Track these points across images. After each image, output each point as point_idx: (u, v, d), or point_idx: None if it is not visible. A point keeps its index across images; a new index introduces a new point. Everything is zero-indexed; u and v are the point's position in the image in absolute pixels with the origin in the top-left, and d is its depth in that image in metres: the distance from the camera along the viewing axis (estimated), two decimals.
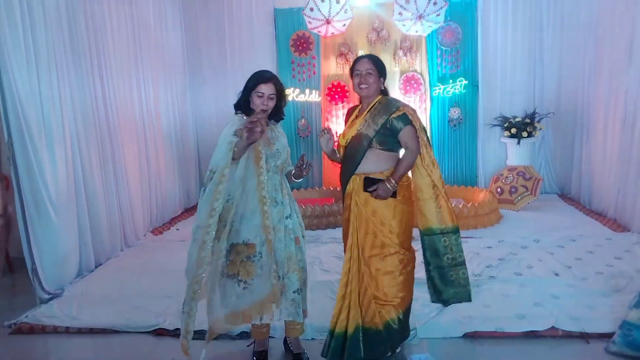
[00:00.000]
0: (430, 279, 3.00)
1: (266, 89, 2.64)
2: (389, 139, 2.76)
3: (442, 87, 6.79)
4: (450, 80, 6.77)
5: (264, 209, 2.63)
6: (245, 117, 2.65)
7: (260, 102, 2.63)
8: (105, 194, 4.71)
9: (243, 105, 2.71)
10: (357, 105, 2.96)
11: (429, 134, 6.82)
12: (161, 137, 6.06)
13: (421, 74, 6.84)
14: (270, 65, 6.84)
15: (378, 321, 2.76)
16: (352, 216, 2.82)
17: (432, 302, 3.11)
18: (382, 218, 2.76)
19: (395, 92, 6.81)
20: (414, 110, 2.85)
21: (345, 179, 2.86)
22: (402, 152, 2.84)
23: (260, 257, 2.63)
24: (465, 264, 3.00)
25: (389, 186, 2.71)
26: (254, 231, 2.63)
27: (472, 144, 6.96)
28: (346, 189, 2.86)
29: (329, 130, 2.92)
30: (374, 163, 2.78)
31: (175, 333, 3.26)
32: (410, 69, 6.83)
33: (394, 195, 2.74)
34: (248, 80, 2.68)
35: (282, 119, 2.86)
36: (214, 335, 2.74)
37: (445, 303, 3.07)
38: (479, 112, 6.85)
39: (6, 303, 4.01)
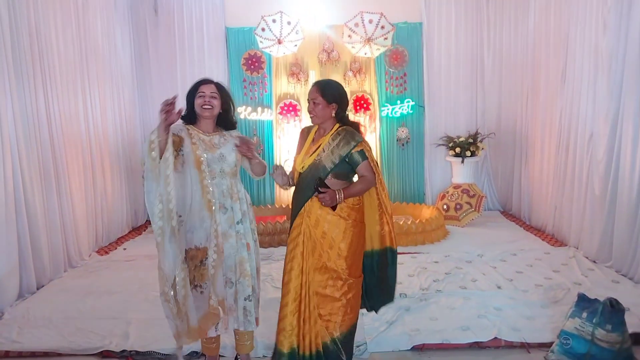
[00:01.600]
0: (364, 292, 2.97)
1: (207, 88, 2.70)
2: (346, 170, 2.76)
3: (390, 107, 6.99)
4: (398, 101, 6.99)
5: (212, 214, 2.64)
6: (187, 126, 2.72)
7: (201, 101, 2.67)
8: (46, 213, 4.53)
9: (188, 114, 2.73)
10: (312, 127, 2.93)
11: (378, 153, 7.04)
12: (108, 154, 5.92)
13: (370, 95, 7.03)
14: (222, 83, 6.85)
15: (319, 341, 2.73)
16: (304, 237, 2.76)
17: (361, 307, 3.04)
18: (331, 241, 2.72)
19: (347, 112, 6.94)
20: (370, 146, 2.83)
21: (299, 204, 2.81)
22: (355, 177, 2.84)
23: (213, 260, 2.64)
24: (396, 277, 2.98)
25: (337, 196, 2.66)
26: (204, 235, 2.64)
27: (420, 162, 7.18)
28: (298, 212, 2.81)
29: (280, 167, 2.88)
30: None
31: (122, 355, 3.18)
32: (360, 90, 7.01)
33: (334, 208, 2.69)
34: (190, 88, 2.74)
35: (234, 127, 2.87)
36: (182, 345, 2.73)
37: (373, 309, 3.05)
38: (426, 131, 7.09)
39: None
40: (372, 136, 7.07)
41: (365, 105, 6.98)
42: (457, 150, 6.58)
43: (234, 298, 2.73)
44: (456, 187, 6.58)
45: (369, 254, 2.90)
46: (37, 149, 4.43)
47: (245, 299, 2.75)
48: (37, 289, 4.31)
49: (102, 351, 3.23)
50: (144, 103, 6.93)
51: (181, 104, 2.57)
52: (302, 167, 2.81)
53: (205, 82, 2.75)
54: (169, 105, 2.45)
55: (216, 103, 2.72)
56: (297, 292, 2.74)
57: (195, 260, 2.65)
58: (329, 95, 2.76)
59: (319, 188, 2.64)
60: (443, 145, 6.85)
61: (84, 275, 4.71)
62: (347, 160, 2.72)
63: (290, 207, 2.94)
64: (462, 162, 6.59)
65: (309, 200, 2.76)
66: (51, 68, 4.67)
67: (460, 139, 6.66)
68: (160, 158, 2.48)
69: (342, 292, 2.73)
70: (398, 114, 7.01)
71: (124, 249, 5.70)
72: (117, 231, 6.13)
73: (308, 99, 2.81)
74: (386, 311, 3.69)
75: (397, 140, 7.10)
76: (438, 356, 3.19)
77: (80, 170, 5.23)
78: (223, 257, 2.67)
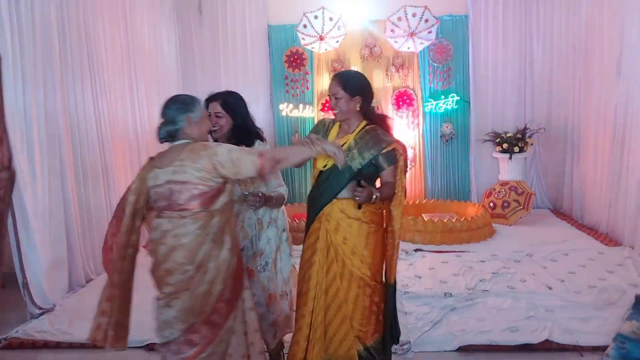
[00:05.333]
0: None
1: (211, 107, 2.62)
2: (371, 172, 2.53)
3: (434, 102, 6.85)
4: (442, 96, 6.84)
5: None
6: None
7: (209, 123, 2.51)
8: (95, 209, 4.69)
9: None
10: (330, 120, 2.70)
11: (421, 149, 6.92)
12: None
13: (413, 90, 6.91)
14: (264, 81, 6.91)
15: (352, 352, 2.55)
16: (323, 243, 2.55)
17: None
18: (354, 246, 2.52)
19: (388, 107, 6.88)
20: (405, 148, 2.57)
21: (317, 207, 2.57)
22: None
23: None
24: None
25: (373, 195, 2.44)
26: None
27: (465, 159, 7.01)
28: (316, 216, 2.59)
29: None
30: (350, 192, 2.48)
31: None
32: (403, 85, 6.91)
33: (359, 206, 2.49)
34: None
35: (254, 140, 2.64)
36: None
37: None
38: (471, 127, 6.91)
39: None
40: (415, 133, 6.96)
41: (408, 101, 6.87)
42: (505, 146, 6.38)
43: None
44: (503, 184, 6.39)
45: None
46: (85, 146, 4.58)
47: None
48: (87, 282, 4.46)
49: (148, 344, 3.29)
50: None
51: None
52: (325, 166, 2.54)
53: (211, 99, 2.64)
54: None
55: (223, 122, 2.61)
56: (317, 302, 2.53)
57: None
58: (351, 87, 2.52)
59: (361, 182, 2.45)
60: (490, 141, 6.66)
61: None
62: (374, 162, 2.50)
63: (306, 209, 2.69)
64: (510, 158, 6.39)
65: (329, 203, 2.53)
66: (99, 67, 4.82)
67: (508, 135, 6.45)
68: None
69: (371, 298, 2.57)
70: (442, 110, 6.86)
71: None
72: None
73: (329, 94, 2.60)
74: (430, 310, 3.63)
75: (441, 136, 6.95)
76: (484, 358, 3.10)
77: (127, 167, 5.37)
78: None
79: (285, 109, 6.89)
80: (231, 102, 2.65)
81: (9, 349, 3.37)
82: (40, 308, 3.82)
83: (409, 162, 6.74)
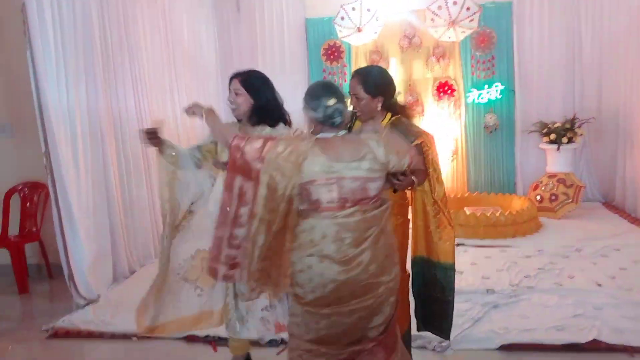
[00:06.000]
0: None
1: (232, 84, 2.57)
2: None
3: (476, 92, 6.65)
4: (486, 86, 6.63)
5: None
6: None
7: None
8: (137, 203, 4.80)
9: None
10: (356, 114, 2.56)
11: (463, 141, 6.74)
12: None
13: (455, 80, 6.73)
14: (302, 74, 6.89)
15: None
16: None
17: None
18: None
19: (429, 98, 6.73)
20: (432, 140, 2.47)
21: None
22: None
23: None
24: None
25: (412, 180, 2.27)
26: None
27: (510, 150, 6.78)
28: None
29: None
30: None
31: (205, 339, 3.27)
32: (444, 75, 6.74)
33: (395, 190, 2.35)
34: None
35: (278, 122, 2.56)
36: (156, 334, 2.77)
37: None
38: (516, 117, 6.68)
39: (45, 308, 4.14)
40: (457, 124, 6.78)
41: (449, 92, 6.70)
42: (552, 137, 6.11)
43: (247, 310, 2.63)
44: (551, 176, 6.14)
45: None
46: (127, 142, 4.69)
47: (262, 309, 2.63)
48: (130, 274, 4.57)
49: (187, 335, 3.32)
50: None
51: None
52: None
53: (232, 76, 2.58)
54: (150, 134, 2.51)
55: (241, 100, 2.54)
56: None
57: (204, 262, 2.57)
58: (373, 87, 2.40)
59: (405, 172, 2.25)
60: (536, 131, 6.40)
61: None
62: None
63: None
64: (558, 149, 6.12)
65: None
66: (140, 65, 4.91)
67: (556, 125, 6.18)
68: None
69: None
70: (485, 100, 6.65)
71: None
72: None
73: (350, 93, 2.47)
74: (472, 307, 3.52)
75: (485, 127, 6.74)
76: (528, 357, 2.96)
77: None
78: None
79: None
80: (252, 81, 2.56)
81: (55, 338, 3.50)
82: (85, 299, 3.96)
83: (450, 154, 6.69)
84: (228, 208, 1.98)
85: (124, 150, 4.65)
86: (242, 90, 2.55)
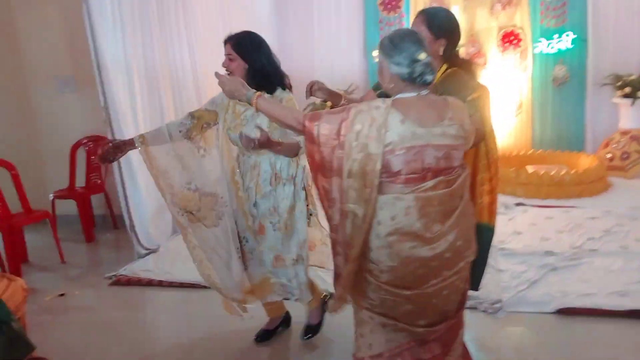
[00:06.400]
0: None
1: (225, 49, 2.43)
2: None
3: (545, 42, 6.20)
4: (555, 35, 6.15)
5: (238, 194, 2.54)
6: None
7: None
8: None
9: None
10: None
11: (529, 95, 6.36)
12: None
13: (522, 29, 6.29)
14: (357, 25, 6.61)
15: None
16: None
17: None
18: None
19: (492, 49, 6.36)
20: (489, 94, 2.23)
21: None
22: None
23: (247, 241, 2.61)
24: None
25: None
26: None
27: (580, 104, 6.32)
28: None
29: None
30: None
31: None
32: (510, 24, 6.31)
33: None
34: None
35: (276, 87, 2.47)
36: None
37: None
38: (588, 69, 6.17)
39: (109, 256, 4.41)
40: (524, 76, 6.38)
41: (515, 42, 6.29)
42: (627, 90, 5.67)
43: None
44: (624, 133, 5.74)
45: None
46: (185, 96, 4.73)
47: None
48: None
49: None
50: (284, 51, 7.01)
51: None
52: None
53: (225, 41, 2.43)
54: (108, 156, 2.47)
55: (234, 65, 2.39)
56: None
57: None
58: (437, 27, 2.18)
59: None
60: (609, 84, 5.94)
61: None
62: None
63: None
64: (633, 104, 5.68)
65: None
66: (193, 20, 4.88)
67: (632, 77, 5.71)
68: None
69: None
70: (555, 50, 6.19)
71: None
72: None
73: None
74: (528, 269, 3.40)
75: (553, 80, 6.31)
76: (587, 322, 2.84)
77: None
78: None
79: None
80: (244, 44, 2.40)
81: (117, 285, 3.71)
82: (146, 248, 4.14)
83: (515, 109, 6.35)
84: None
85: (181, 102, 4.70)
86: (235, 55, 2.41)
